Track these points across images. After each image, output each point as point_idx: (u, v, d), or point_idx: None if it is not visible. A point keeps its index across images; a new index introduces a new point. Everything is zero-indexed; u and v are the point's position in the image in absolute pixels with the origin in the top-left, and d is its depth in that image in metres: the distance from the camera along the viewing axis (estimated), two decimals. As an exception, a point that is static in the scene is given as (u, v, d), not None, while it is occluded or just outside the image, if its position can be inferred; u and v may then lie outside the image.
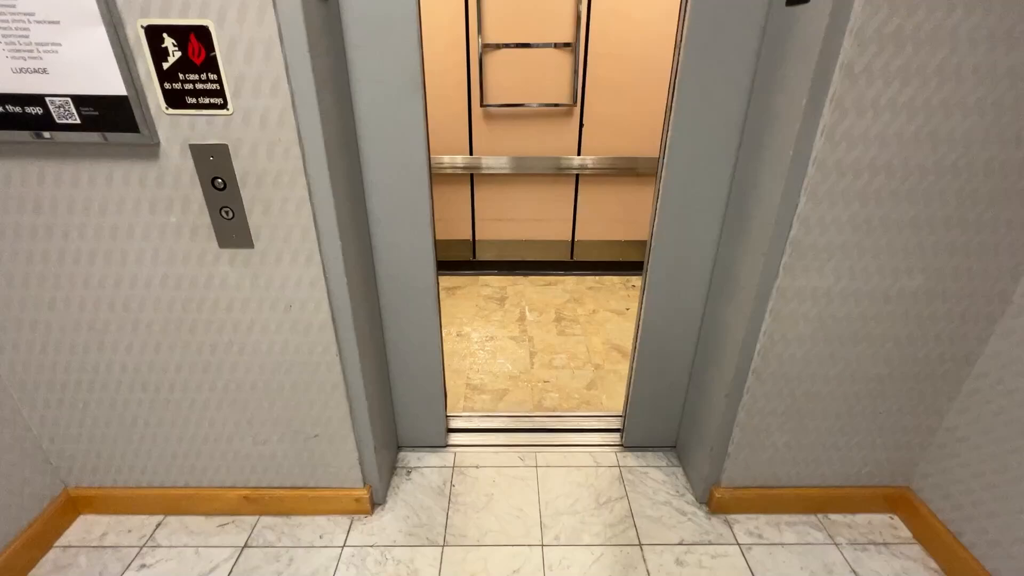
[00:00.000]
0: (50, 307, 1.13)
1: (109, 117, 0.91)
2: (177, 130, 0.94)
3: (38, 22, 0.83)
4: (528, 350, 2.28)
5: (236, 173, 0.98)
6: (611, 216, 2.91)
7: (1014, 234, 1.06)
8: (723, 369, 1.30)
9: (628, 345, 2.32)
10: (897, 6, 0.85)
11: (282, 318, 1.15)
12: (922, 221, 1.04)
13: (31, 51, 0.85)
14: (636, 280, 2.98)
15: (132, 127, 0.92)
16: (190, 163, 0.97)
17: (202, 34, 0.86)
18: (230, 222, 1.03)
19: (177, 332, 1.17)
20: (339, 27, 1.04)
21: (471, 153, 2.71)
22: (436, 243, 1.34)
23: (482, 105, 2.58)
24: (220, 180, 0.98)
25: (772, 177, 1.05)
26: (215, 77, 0.89)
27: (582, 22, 2.43)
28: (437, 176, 2.77)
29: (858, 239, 1.06)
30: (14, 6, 0.82)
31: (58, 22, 0.83)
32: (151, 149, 0.95)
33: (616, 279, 2.99)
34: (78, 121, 0.91)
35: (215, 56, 0.88)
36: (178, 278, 1.10)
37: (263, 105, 0.92)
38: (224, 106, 0.92)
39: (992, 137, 0.96)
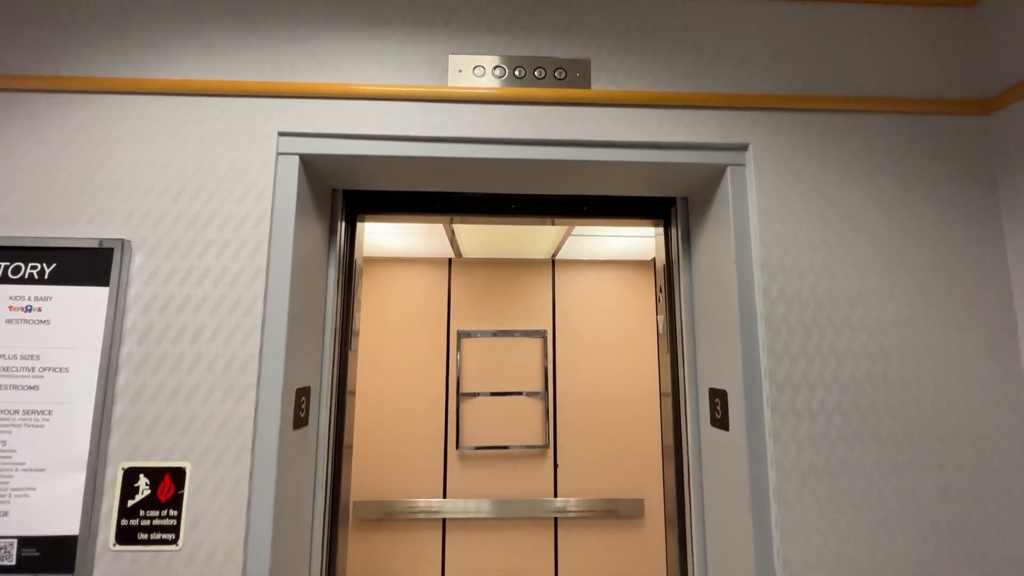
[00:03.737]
0: None
1: (48, 557, 0.88)
2: (116, 566, 0.90)
3: (26, 470, 0.90)
4: None
5: (162, 613, 0.90)
6: (596, 565, 2.63)
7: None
8: None
9: None
10: (803, 444, 0.98)
11: None
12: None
13: (3, 496, 0.89)
14: (636, 653, 2.47)
15: (68, 568, 0.88)
16: (115, 603, 0.89)
17: (177, 474, 0.92)
18: (134, 676, 0.88)
19: None
20: (313, 447, 1.15)
21: (444, 495, 2.63)
22: None
23: (457, 448, 2.65)
24: (140, 624, 0.89)
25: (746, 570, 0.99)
26: (175, 513, 0.91)
27: (549, 374, 2.76)
28: (408, 522, 2.61)
29: None
30: (11, 456, 0.90)
31: (44, 469, 0.90)
32: (78, 589, 0.89)
33: (612, 651, 2.48)
34: (13, 563, 0.87)
35: (182, 494, 0.92)
36: None
37: (215, 538, 0.91)
38: (175, 542, 0.91)
39: (925, 527, 0.96)
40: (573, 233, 2.25)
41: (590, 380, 2.78)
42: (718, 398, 1.11)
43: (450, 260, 2.85)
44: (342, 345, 1.29)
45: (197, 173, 1.02)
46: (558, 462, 2.69)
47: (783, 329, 1.02)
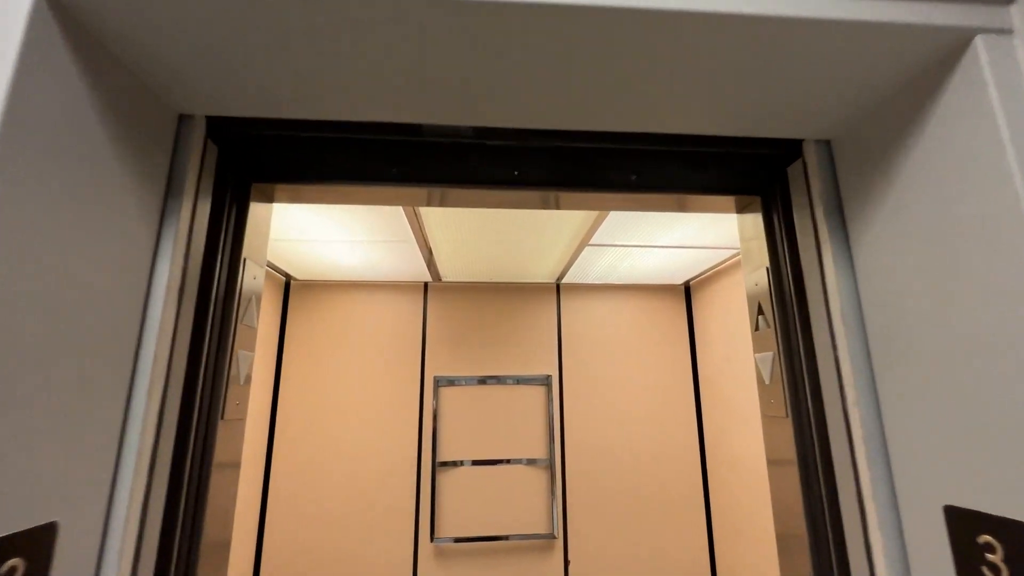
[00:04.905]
0: None
1: None
2: None
3: None
4: None
5: None
6: None
7: None
8: None
9: None
10: None
11: None
12: None
13: None
14: None
15: None
16: None
17: None
18: None
19: None
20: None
21: (413, 610, 1.90)
22: None
23: (432, 539, 1.94)
24: None
25: None
26: None
27: (556, 434, 2.10)
28: (360, 648, 1.86)
29: None
30: None
31: None
32: None
33: None
34: None
35: None
36: None
37: None
38: None
39: None
40: (590, 243, 1.67)
41: (610, 443, 2.12)
42: (999, 540, 0.49)
43: (426, 285, 2.23)
44: (209, 409, 0.68)
45: None
46: (569, 557, 1.99)
47: None
